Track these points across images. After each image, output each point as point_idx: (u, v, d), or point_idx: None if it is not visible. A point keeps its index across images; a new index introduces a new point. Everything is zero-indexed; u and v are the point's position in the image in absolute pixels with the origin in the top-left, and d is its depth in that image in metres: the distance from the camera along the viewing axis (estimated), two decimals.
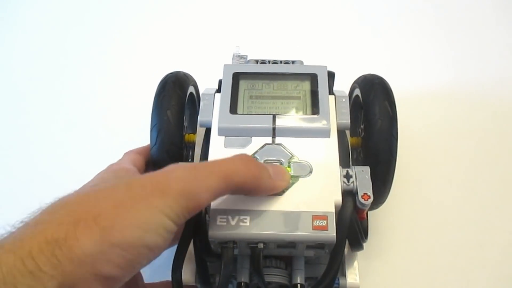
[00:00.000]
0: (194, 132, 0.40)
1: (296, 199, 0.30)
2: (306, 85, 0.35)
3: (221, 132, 0.33)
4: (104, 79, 0.54)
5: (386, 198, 0.35)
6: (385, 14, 0.59)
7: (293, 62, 0.39)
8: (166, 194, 0.23)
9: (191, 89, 0.40)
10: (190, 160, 0.40)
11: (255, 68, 0.36)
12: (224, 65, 0.36)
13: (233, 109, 0.33)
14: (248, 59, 0.39)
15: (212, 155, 0.32)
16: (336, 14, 0.59)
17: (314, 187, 0.30)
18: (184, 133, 0.36)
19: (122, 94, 0.52)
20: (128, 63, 0.55)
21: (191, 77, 0.40)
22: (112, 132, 0.49)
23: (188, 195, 0.24)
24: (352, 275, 0.33)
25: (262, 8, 0.59)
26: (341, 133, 0.34)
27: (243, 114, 0.33)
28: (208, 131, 0.34)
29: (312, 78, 0.35)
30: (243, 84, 0.35)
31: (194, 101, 0.42)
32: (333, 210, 0.29)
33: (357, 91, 0.40)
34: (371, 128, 0.34)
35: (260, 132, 0.33)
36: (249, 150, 0.32)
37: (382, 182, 0.34)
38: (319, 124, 0.33)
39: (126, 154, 0.35)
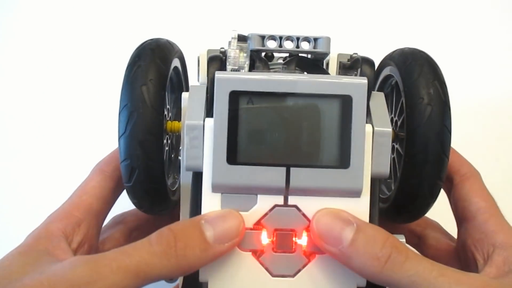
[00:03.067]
0: (179, 119, 0.30)
1: (309, 284, 0.25)
2: (334, 114, 0.24)
3: (217, 189, 0.24)
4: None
5: (430, 207, 0.28)
6: None
7: (315, 39, 0.26)
8: None
9: (175, 62, 0.29)
10: (173, 157, 0.32)
11: (262, 84, 0.24)
12: (216, 75, 0.24)
13: (232, 157, 0.24)
14: (251, 33, 0.26)
15: None
16: None
17: (333, 267, 0.25)
18: (165, 120, 0.27)
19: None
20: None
21: (176, 47, 0.29)
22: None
23: None
24: None
25: None
26: (372, 181, 0.26)
27: (245, 164, 0.24)
28: (197, 175, 0.26)
29: (344, 102, 0.24)
30: (244, 111, 0.24)
31: (180, 78, 0.30)
32: None
33: (389, 70, 0.29)
34: (417, 117, 0.26)
35: (268, 190, 0.24)
36: (254, 214, 0.25)
37: (429, 189, 0.26)
38: (348, 181, 0.24)
39: (84, 186, 0.28)
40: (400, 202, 0.28)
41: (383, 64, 0.30)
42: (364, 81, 0.24)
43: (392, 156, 0.30)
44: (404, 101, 0.27)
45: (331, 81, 0.24)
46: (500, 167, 0.44)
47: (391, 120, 0.30)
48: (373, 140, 0.25)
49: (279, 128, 0.24)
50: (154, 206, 0.27)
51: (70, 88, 0.45)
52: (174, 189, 0.30)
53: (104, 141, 0.43)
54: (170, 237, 0.22)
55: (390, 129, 0.25)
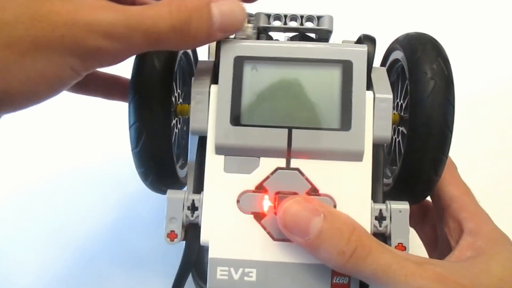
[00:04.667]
0: (189, 101, 0.31)
1: None
2: (336, 78, 0.25)
3: (220, 150, 0.25)
4: None
5: (434, 186, 0.27)
6: None
7: (318, 18, 0.28)
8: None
9: None
10: (183, 143, 0.33)
11: (265, 50, 0.25)
12: (222, 42, 0.25)
13: (235, 119, 0.25)
14: (257, 12, 0.28)
15: (209, 183, 0.25)
16: None
17: None
18: (175, 104, 0.28)
19: None
20: None
21: None
22: None
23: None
24: None
25: None
26: (375, 147, 0.26)
27: (248, 125, 0.25)
28: (202, 140, 0.26)
29: (345, 68, 0.25)
30: (248, 75, 0.25)
31: (190, 63, 0.32)
32: None
33: (396, 54, 0.30)
34: (420, 90, 0.26)
35: (271, 152, 0.25)
36: (256, 176, 0.25)
37: (432, 163, 0.26)
38: (350, 144, 0.24)
39: None
40: (404, 181, 0.27)
41: (390, 49, 0.31)
42: (364, 48, 0.25)
43: (397, 139, 0.30)
44: (408, 78, 0.27)
45: (333, 47, 0.25)
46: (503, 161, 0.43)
47: (397, 104, 0.30)
48: (374, 106, 0.25)
49: (282, 92, 0.25)
50: (160, 178, 0.28)
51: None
52: (183, 170, 0.31)
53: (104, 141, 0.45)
54: (187, 16, 0.22)
55: (390, 96, 0.26)
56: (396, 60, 0.30)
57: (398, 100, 0.30)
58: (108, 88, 0.32)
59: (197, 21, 0.22)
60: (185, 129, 0.33)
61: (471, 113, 0.43)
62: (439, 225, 0.30)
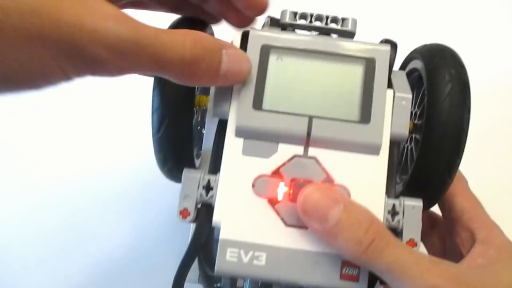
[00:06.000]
0: (207, 93, 0.32)
1: None
2: (358, 74, 0.26)
3: (240, 133, 0.25)
4: None
5: (447, 190, 0.28)
6: None
7: (343, 20, 0.29)
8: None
9: None
10: (199, 128, 0.33)
11: (291, 41, 0.26)
12: (251, 31, 0.26)
13: (258, 103, 0.25)
14: (283, 9, 0.29)
15: (227, 164, 0.25)
16: None
17: None
18: (194, 94, 0.29)
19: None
20: None
21: (206, 24, 0.31)
22: None
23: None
24: None
25: None
26: (391, 144, 0.26)
27: (269, 111, 0.25)
28: (222, 123, 0.27)
29: (368, 64, 0.26)
30: (273, 63, 0.26)
31: None
32: None
33: (414, 64, 0.31)
34: (437, 92, 0.26)
35: (289, 139, 0.25)
36: (274, 161, 0.25)
37: (447, 165, 0.26)
38: (368, 137, 0.25)
39: None
40: (415, 184, 0.28)
41: (408, 58, 0.31)
42: (387, 47, 0.26)
43: (410, 146, 0.31)
44: (426, 82, 0.28)
45: (358, 45, 0.26)
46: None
47: (411, 113, 0.31)
48: (393, 103, 0.26)
49: (305, 82, 0.26)
50: (179, 164, 0.27)
51: None
52: (197, 160, 0.31)
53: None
54: (200, 55, 0.22)
55: (410, 95, 0.26)
56: (413, 70, 0.31)
57: (412, 109, 0.31)
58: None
59: (208, 62, 0.22)
60: (200, 119, 0.33)
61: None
62: (448, 236, 0.30)
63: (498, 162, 0.43)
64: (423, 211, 0.26)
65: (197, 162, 0.31)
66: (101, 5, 0.20)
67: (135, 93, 0.41)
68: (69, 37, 0.19)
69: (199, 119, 0.33)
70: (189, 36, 0.22)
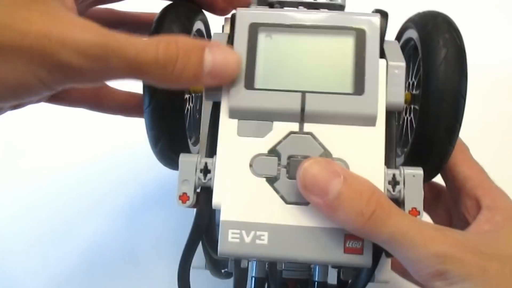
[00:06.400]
0: None
1: None
2: (349, 45, 0.25)
3: (233, 114, 0.25)
4: None
5: (449, 157, 0.27)
6: None
7: None
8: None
9: (198, 24, 0.31)
10: (196, 116, 0.33)
11: (279, 17, 0.26)
12: (238, 11, 0.26)
13: (249, 82, 0.25)
14: None
15: (222, 146, 0.25)
16: None
17: None
18: None
19: None
20: None
21: (199, 10, 0.31)
22: None
23: None
24: (384, 271, 0.29)
25: None
26: (388, 115, 0.26)
27: (262, 89, 0.25)
28: (216, 106, 0.26)
29: (358, 35, 0.25)
30: (263, 41, 0.26)
31: (202, 37, 0.32)
32: None
33: (409, 33, 0.30)
34: (433, 58, 0.26)
35: (284, 116, 0.25)
36: (269, 140, 0.25)
37: (446, 131, 0.26)
38: (363, 108, 0.25)
39: None
40: (416, 153, 0.27)
41: (403, 28, 0.31)
42: (376, 16, 0.26)
43: (409, 118, 0.31)
44: (420, 49, 0.27)
45: (346, 16, 0.26)
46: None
47: (408, 84, 0.31)
48: (387, 73, 0.26)
49: (296, 58, 0.25)
50: (172, 143, 0.27)
51: None
52: (195, 147, 0.31)
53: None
54: (174, 54, 0.22)
55: (403, 63, 0.26)
56: (408, 40, 0.30)
57: (409, 80, 0.31)
58: (124, 105, 0.32)
59: (184, 61, 0.22)
60: (197, 107, 0.33)
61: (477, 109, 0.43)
62: (453, 206, 0.30)
63: (498, 155, 0.42)
64: (426, 182, 0.26)
65: (196, 149, 0.31)
66: (69, 16, 0.21)
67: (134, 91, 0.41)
68: (39, 46, 0.20)
69: (197, 107, 0.33)
70: (164, 38, 0.22)
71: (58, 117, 0.46)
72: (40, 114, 0.45)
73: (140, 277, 0.40)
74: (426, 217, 0.33)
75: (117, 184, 0.43)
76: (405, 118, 0.31)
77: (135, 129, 0.32)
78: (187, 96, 0.29)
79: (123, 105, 0.32)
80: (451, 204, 0.30)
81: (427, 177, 0.27)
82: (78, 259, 0.41)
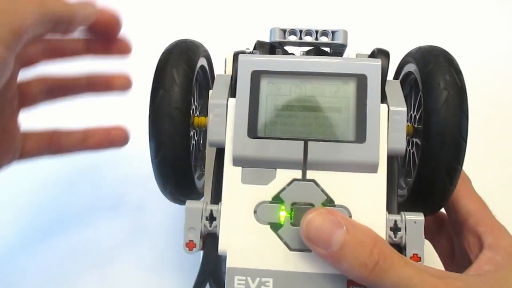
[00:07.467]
0: (205, 114, 0.32)
1: None
2: (350, 91, 0.26)
3: (237, 162, 0.26)
4: None
5: (450, 196, 0.27)
6: None
7: (333, 32, 0.28)
8: None
9: (202, 61, 0.31)
10: (201, 149, 0.34)
11: (281, 64, 0.26)
12: (240, 57, 0.26)
13: (252, 131, 0.25)
14: (273, 27, 0.29)
15: (227, 193, 0.26)
16: None
17: None
18: (192, 116, 0.29)
19: None
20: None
21: (202, 46, 0.31)
22: None
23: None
24: None
25: None
26: (390, 159, 0.26)
27: (265, 138, 0.25)
28: (220, 152, 0.27)
29: (360, 81, 0.25)
30: (265, 88, 0.26)
31: (206, 76, 0.33)
32: None
33: (409, 67, 0.30)
34: (434, 101, 0.26)
35: (287, 164, 0.25)
36: (273, 187, 0.26)
37: (447, 173, 0.26)
38: (365, 156, 0.25)
39: None
40: (418, 191, 0.28)
41: (403, 62, 0.31)
42: (378, 62, 0.26)
43: (412, 151, 0.31)
44: (421, 90, 0.27)
45: (347, 62, 0.26)
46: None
47: (410, 116, 0.31)
48: (388, 118, 0.26)
49: (298, 105, 0.26)
50: (179, 188, 0.28)
51: None
52: (200, 181, 0.32)
53: None
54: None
55: (404, 108, 0.26)
56: (409, 73, 0.31)
57: (411, 112, 0.31)
58: (83, 142, 0.32)
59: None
60: (201, 141, 0.34)
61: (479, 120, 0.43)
62: (456, 238, 0.30)
63: (498, 165, 0.42)
64: (429, 216, 0.26)
65: (201, 182, 0.31)
66: None
67: (134, 91, 0.40)
68: None
69: (201, 140, 0.34)
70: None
71: (58, 117, 0.45)
72: (40, 114, 0.45)
73: (140, 277, 0.41)
74: (427, 244, 0.34)
75: (117, 183, 0.43)
76: (408, 150, 0.32)
77: (135, 129, 0.33)
78: (192, 132, 0.30)
79: (82, 143, 0.32)
80: (453, 236, 0.31)
81: (429, 213, 0.28)
82: (78, 259, 0.41)
